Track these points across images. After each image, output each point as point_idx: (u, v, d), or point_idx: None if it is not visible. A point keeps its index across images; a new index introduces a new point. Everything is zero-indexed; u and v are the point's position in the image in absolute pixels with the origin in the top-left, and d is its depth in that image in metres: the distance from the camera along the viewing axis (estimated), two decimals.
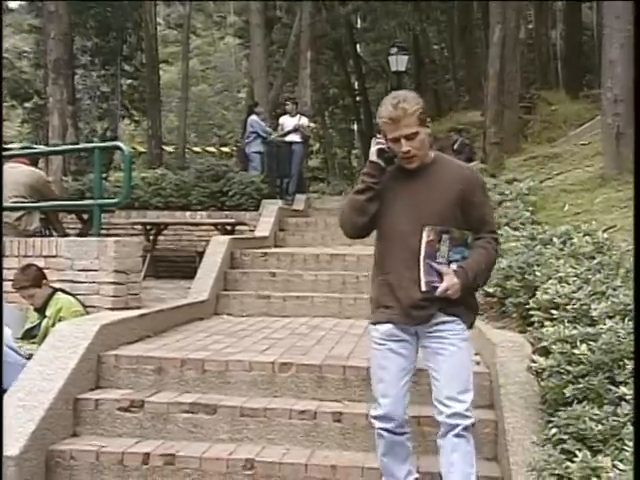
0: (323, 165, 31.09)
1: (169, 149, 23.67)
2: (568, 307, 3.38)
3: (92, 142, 20.12)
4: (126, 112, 23.67)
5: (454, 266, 2.65)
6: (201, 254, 7.08)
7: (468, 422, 2.62)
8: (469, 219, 2.69)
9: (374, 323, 2.78)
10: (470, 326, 2.75)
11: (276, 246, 8.38)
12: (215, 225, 8.68)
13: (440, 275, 2.63)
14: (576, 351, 2.85)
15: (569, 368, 2.83)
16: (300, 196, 11.41)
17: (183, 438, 3.49)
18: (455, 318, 2.68)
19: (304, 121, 11.78)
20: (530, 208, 6.78)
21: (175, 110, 30.79)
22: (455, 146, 13.24)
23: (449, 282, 2.61)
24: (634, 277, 3.19)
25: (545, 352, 3.10)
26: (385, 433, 2.73)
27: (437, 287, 2.62)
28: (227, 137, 32.77)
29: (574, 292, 3.48)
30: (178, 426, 3.52)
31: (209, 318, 5.72)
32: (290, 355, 4.03)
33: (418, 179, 2.70)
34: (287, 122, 11.74)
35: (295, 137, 11.60)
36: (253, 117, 11.66)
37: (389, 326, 2.71)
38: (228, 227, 8.60)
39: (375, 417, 2.75)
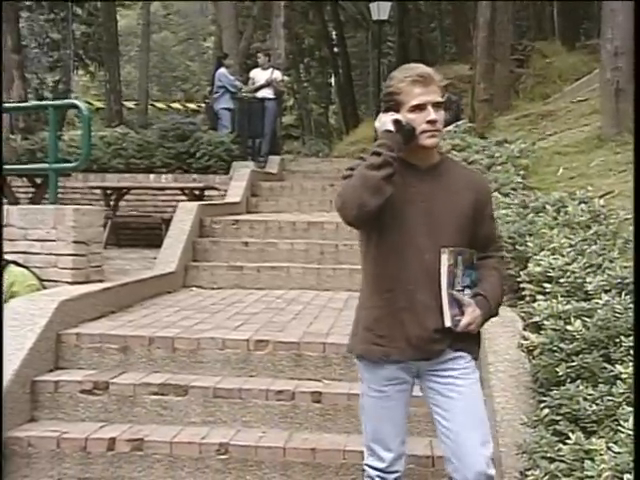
0: (298, 122, 30.90)
1: (130, 105, 23.29)
2: (562, 280, 3.43)
3: (42, 95, 19.72)
4: (80, 62, 23.09)
5: (468, 293, 2.41)
6: (167, 221, 7.06)
7: None
8: (477, 235, 2.46)
9: (363, 357, 2.47)
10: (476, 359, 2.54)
11: (249, 213, 8.37)
12: (182, 190, 8.63)
13: (460, 306, 2.38)
14: (570, 327, 2.90)
15: (562, 345, 2.88)
16: (274, 158, 11.35)
17: (152, 421, 3.52)
18: (465, 355, 2.43)
19: (277, 75, 11.64)
20: (521, 172, 6.83)
21: (135, 61, 30.22)
22: None
23: (472, 315, 2.36)
24: (634, 247, 3.24)
25: (537, 328, 3.16)
26: None
27: (459, 321, 2.37)
28: (193, 91, 32.34)
29: (568, 264, 3.53)
30: (146, 409, 3.55)
31: (178, 291, 5.73)
32: (266, 331, 4.07)
33: (429, 179, 2.42)
34: (259, 76, 11.59)
35: (267, 92, 11.47)
36: (221, 70, 11.50)
37: (388, 370, 2.43)
38: (196, 192, 8.56)
39: (374, 468, 2.53)
